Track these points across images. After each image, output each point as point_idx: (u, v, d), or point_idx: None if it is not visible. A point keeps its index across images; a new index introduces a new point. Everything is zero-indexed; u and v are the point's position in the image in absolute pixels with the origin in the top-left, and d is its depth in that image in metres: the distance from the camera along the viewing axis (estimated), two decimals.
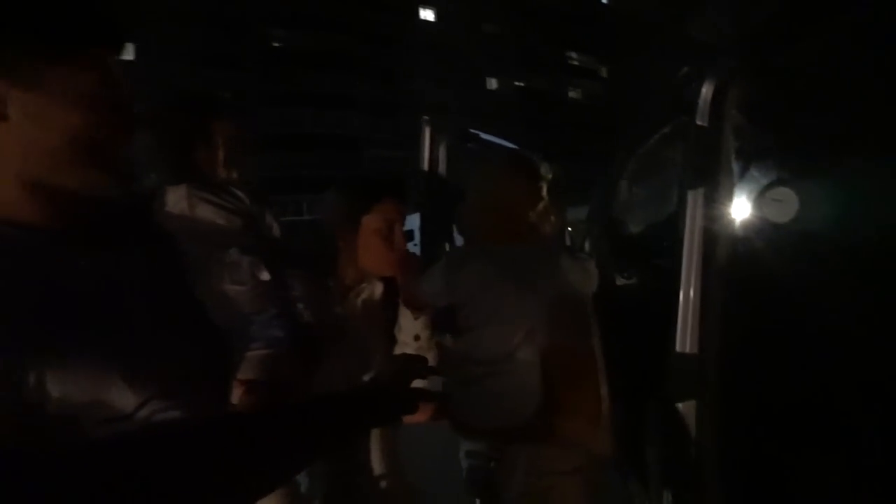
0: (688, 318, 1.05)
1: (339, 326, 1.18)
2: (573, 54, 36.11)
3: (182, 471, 0.42)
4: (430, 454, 1.50)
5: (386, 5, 29.02)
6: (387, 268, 1.20)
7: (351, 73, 28.54)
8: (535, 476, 1.02)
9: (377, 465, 1.19)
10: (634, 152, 2.00)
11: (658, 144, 1.83)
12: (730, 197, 1.08)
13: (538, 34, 32.95)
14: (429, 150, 1.85)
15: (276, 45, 27.47)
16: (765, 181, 1.20)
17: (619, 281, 2.03)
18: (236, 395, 1.03)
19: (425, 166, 1.87)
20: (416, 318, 1.20)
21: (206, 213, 1.16)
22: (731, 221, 1.07)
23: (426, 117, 1.90)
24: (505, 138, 2.12)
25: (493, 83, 32.94)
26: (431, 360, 1.17)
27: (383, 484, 1.19)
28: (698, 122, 1.11)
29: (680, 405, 1.05)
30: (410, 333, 1.21)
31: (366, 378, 1.10)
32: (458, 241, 1.62)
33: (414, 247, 1.59)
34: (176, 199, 1.16)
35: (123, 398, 0.50)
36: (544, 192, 1.08)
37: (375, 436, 1.19)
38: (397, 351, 1.22)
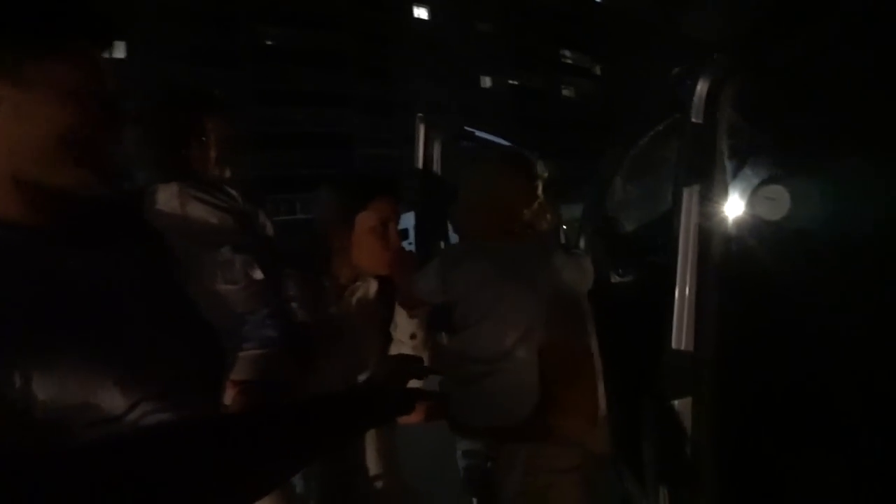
0: (683, 315, 1.05)
1: (334, 325, 1.17)
2: (567, 53, 36.20)
3: (177, 474, 0.42)
4: (427, 454, 1.50)
5: (380, 4, 28.95)
6: (382, 266, 1.19)
7: (345, 72, 28.46)
8: (533, 475, 1.01)
9: (373, 465, 1.18)
10: (629, 150, 2.00)
11: (652, 142, 1.84)
12: (725, 194, 1.08)
13: (532, 33, 32.99)
14: (423, 148, 1.85)
15: (270, 42, 27.33)
16: (759, 179, 1.20)
17: (614, 279, 2.03)
18: (229, 397, 1.02)
19: (420, 164, 1.86)
20: (412, 317, 1.19)
21: (198, 211, 1.15)
22: (727, 219, 1.07)
23: (421, 115, 1.89)
24: (499, 136, 2.11)
25: (487, 82, 32.95)
26: (427, 358, 1.16)
27: (379, 484, 1.18)
28: (693, 120, 1.11)
29: (676, 402, 1.05)
30: (406, 332, 1.20)
31: (361, 377, 1.09)
32: (454, 239, 1.61)
33: (409, 245, 1.58)
34: (167, 198, 1.14)
35: (113, 400, 0.49)
36: (540, 190, 1.08)
37: (371, 436, 1.19)
38: (393, 349, 1.21)
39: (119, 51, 20.16)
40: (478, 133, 2.04)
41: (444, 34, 30.25)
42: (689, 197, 1.09)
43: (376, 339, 1.24)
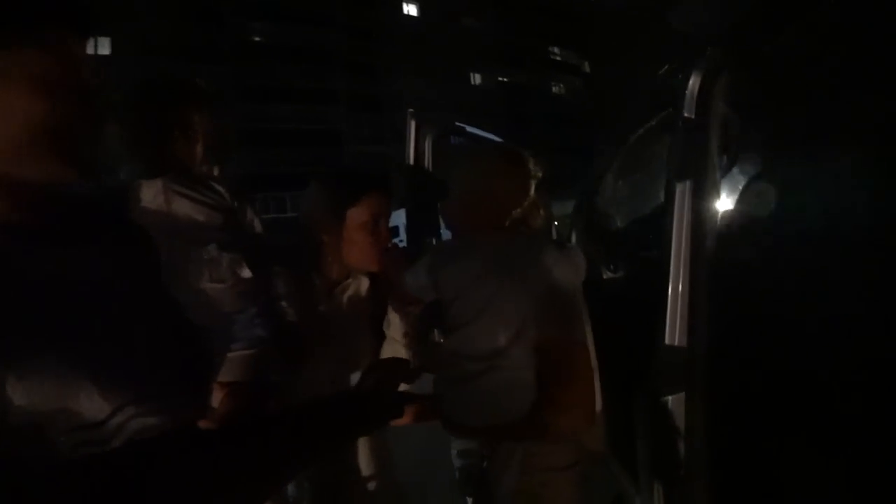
0: (676, 311, 1.05)
1: (325, 324, 1.15)
2: (556, 49, 36.31)
3: (166, 489, 0.40)
4: (421, 454, 1.49)
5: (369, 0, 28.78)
6: (372, 263, 1.17)
7: (333, 69, 28.27)
8: (529, 473, 1.00)
9: (366, 465, 1.17)
10: (620, 146, 2.01)
11: (644, 138, 1.84)
12: (717, 189, 1.07)
13: (521, 29, 33.03)
14: (414, 144, 1.83)
15: (257, 39, 27.05)
16: (751, 174, 1.20)
17: (606, 275, 2.03)
18: (217, 399, 1.00)
19: (411, 160, 1.85)
20: (404, 315, 1.18)
21: (184, 208, 1.12)
22: (719, 214, 1.07)
23: (412, 110, 1.87)
24: (489, 133, 2.11)
25: (476, 78, 32.94)
26: (421, 357, 1.15)
27: (372, 485, 1.17)
28: (685, 115, 1.11)
29: (669, 398, 1.04)
30: (400, 330, 1.19)
31: (353, 376, 1.08)
32: (446, 236, 1.60)
33: (399, 243, 1.57)
34: (152, 194, 1.11)
35: (94, 405, 0.47)
36: (533, 186, 1.07)
37: (363, 436, 1.17)
38: (386, 347, 1.20)
39: (103, 46, 19.83)
40: (469, 128, 2.03)
41: (433, 30, 30.17)
42: (682, 192, 1.08)
43: (368, 338, 1.22)
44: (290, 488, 1.15)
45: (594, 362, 1.04)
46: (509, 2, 31.95)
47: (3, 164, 0.49)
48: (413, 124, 1.83)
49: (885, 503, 0.78)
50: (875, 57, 0.92)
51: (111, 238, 0.59)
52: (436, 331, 1.24)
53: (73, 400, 0.46)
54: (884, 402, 0.80)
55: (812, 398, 0.91)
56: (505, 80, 33.86)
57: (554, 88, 36.57)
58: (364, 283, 1.24)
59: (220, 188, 1.20)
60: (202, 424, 0.58)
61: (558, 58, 36.58)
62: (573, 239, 2.27)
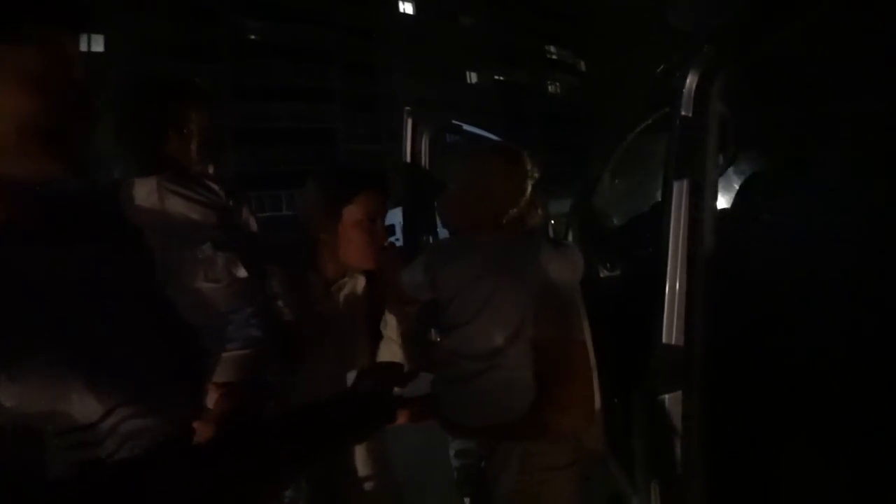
0: (674, 309, 1.05)
1: (321, 323, 1.15)
2: (553, 48, 36.32)
3: (162, 494, 0.40)
4: (419, 454, 1.48)
5: None
6: (368, 261, 1.17)
7: (329, 67, 28.18)
8: (528, 473, 1.00)
9: (363, 466, 1.16)
10: (617, 144, 2.00)
11: (641, 136, 1.83)
12: (715, 187, 1.07)
13: (517, 28, 33.02)
14: (411, 142, 1.82)
15: (253, 37, 26.93)
16: (748, 172, 1.20)
17: (603, 273, 2.03)
18: (212, 400, 0.99)
19: (408, 158, 1.83)
20: (401, 314, 1.17)
21: (179, 206, 1.11)
22: (717, 212, 1.07)
23: (408, 108, 1.86)
24: (485, 131, 2.10)
25: (472, 77, 32.91)
26: (419, 357, 1.14)
27: (370, 485, 1.16)
28: (682, 113, 1.10)
29: (666, 397, 1.04)
30: (397, 329, 1.18)
31: (350, 376, 1.07)
32: (443, 234, 1.60)
33: (396, 241, 1.56)
34: (146, 192, 1.10)
35: (87, 407, 0.46)
36: (530, 184, 1.06)
37: (358, 442, 1.16)
38: (383, 347, 1.19)
39: (98, 43, 19.70)
40: (465, 127, 2.02)
41: (430, 29, 30.11)
42: (679, 191, 1.08)
43: (365, 337, 1.21)
44: (287, 489, 1.14)
45: (592, 361, 1.04)
46: (505, 1, 31.94)
47: None
48: (410, 122, 1.82)
49: (885, 503, 0.78)
50: (874, 57, 0.92)
51: (104, 237, 0.58)
52: (433, 330, 1.23)
53: (65, 401, 0.45)
54: (884, 402, 0.80)
55: (812, 398, 0.91)
56: (501, 78, 33.84)
57: (550, 87, 36.59)
58: (360, 282, 1.23)
59: (215, 186, 1.19)
60: (197, 426, 0.58)
61: (555, 56, 36.60)
62: (570, 238, 2.27)
